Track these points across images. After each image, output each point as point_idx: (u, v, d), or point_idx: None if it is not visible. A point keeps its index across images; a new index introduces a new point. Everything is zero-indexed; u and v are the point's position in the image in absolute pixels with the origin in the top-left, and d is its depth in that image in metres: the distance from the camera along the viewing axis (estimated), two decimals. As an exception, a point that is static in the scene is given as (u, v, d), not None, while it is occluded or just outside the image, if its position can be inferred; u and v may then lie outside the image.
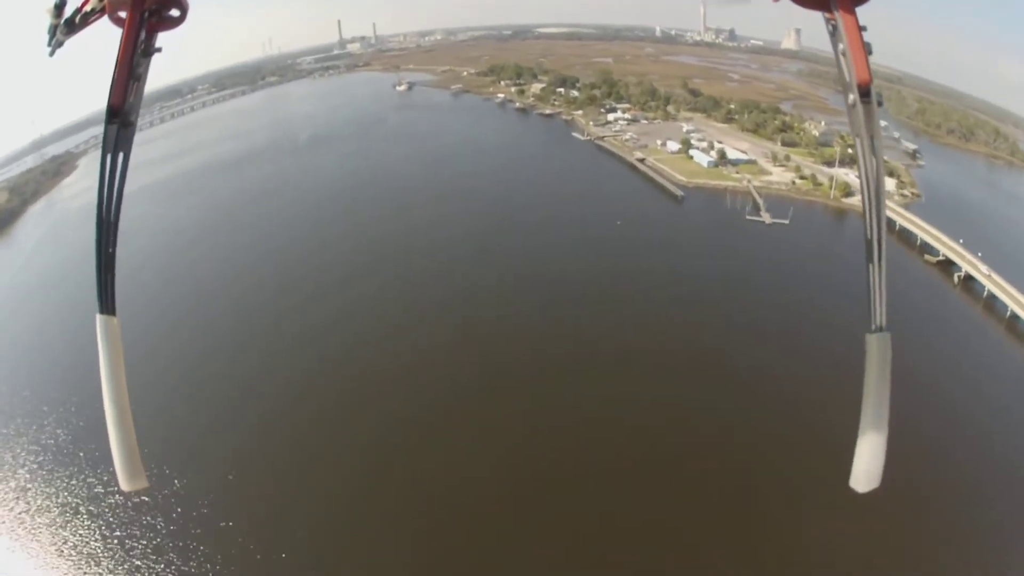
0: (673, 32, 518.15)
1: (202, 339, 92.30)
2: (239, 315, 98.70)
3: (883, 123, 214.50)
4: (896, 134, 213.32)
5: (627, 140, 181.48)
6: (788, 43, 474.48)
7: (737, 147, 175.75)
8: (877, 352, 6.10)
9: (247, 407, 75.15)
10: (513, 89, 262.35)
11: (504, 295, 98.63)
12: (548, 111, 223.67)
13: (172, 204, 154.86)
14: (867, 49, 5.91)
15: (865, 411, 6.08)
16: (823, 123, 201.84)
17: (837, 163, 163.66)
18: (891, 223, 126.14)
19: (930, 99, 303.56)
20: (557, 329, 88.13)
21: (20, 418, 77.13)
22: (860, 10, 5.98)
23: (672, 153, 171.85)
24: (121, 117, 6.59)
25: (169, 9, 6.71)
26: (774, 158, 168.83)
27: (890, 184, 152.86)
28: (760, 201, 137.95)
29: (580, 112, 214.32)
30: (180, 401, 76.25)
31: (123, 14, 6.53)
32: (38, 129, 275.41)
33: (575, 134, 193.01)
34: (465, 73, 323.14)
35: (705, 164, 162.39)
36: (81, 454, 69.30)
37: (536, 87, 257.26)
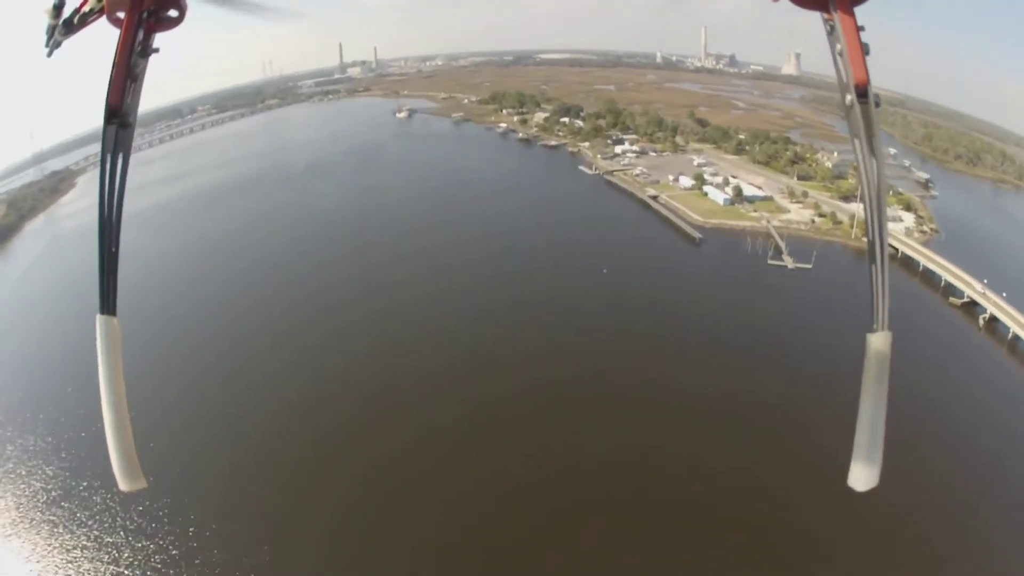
0: (674, 59, 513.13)
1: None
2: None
3: (892, 151, 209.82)
4: (907, 162, 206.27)
5: (637, 175, 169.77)
6: (788, 68, 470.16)
7: (751, 182, 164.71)
8: (877, 351, 6.05)
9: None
10: (515, 118, 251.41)
11: (515, 382, 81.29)
12: (552, 142, 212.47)
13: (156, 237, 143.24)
14: (865, 49, 5.79)
15: (863, 410, 5.98)
16: (836, 154, 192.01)
17: (857, 199, 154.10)
18: (914, 263, 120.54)
19: (936, 123, 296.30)
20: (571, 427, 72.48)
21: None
22: (858, 10, 5.91)
23: (685, 189, 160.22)
24: (120, 118, 6.54)
25: (167, 10, 6.68)
26: (791, 194, 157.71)
27: (909, 219, 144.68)
28: (781, 243, 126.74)
29: (587, 144, 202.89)
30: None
31: (121, 15, 6.55)
32: (38, 143, 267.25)
33: (582, 168, 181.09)
34: (466, 100, 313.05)
35: (721, 202, 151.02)
36: (65, 455, 69.50)
37: (539, 116, 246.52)
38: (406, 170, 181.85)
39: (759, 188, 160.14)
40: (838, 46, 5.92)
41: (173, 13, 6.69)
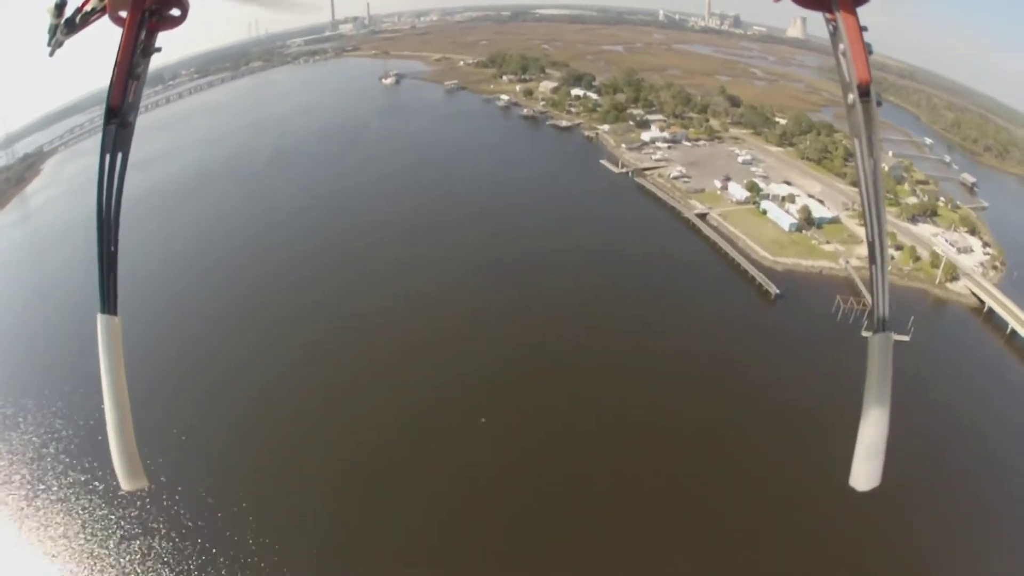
0: (677, 17, 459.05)
1: None
2: None
3: (928, 140, 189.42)
4: (947, 157, 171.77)
5: (676, 178, 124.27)
6: (794, 31, 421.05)
7: (810, 191, 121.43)
8: (879, 352, 5.87)
9: None
10: (519, 88, 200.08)
11: None
12: (564, 122, 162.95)
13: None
14: (867, 49, 5.51)
15: (866, 410, 5.71)
16: (890, 153, 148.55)
17: (943, 222, 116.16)
18: (1001, 323, 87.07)
19: (956, 104, 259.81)
20: None
21: None
22: (861, 10, 5.59)
23: (739, 203, 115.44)
24: (120, 117, 6.17)
25: (170, 8, 6.30)
26: (857, 214, 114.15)
27: (977, 247, 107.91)
28: (871, 300, 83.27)
29: (606, 128, 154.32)
30: None
31: (124, 14, 6.13)
32: (8, 125, 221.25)
33: (604, 163, 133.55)
34: (462, 63, 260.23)
35: (786, 227, 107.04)
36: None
37: (546, 86, 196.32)
38: (384, 164, 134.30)
39: (821, 202, 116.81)
40: (841, 46, 5.56)
41: (175, 12, 6.26)
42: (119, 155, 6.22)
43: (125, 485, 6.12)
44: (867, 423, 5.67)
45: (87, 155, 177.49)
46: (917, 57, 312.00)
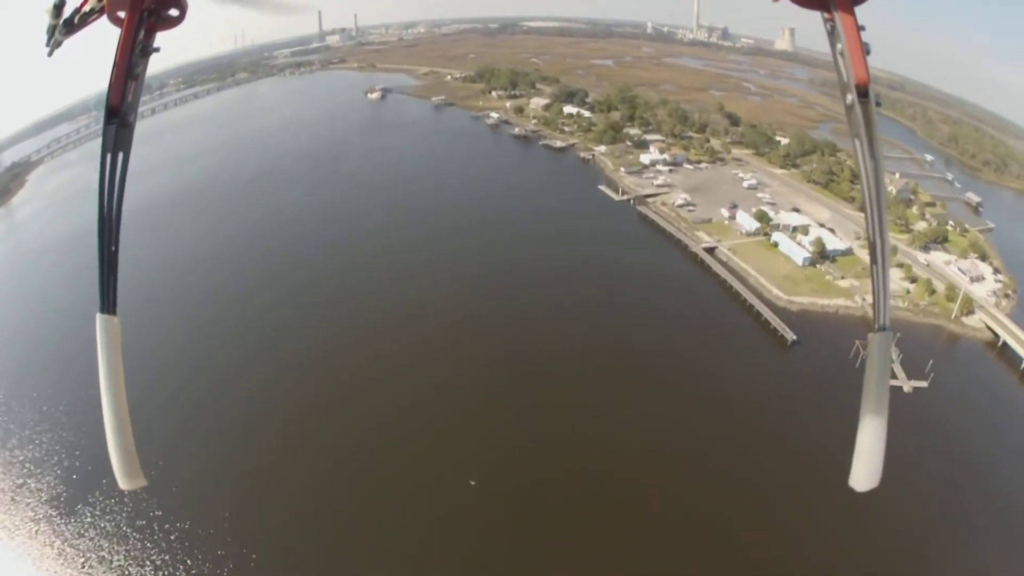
0: (666, 29, 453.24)
1: None
2: None
3: (928, 157, 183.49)
4: (949, 175, 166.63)
5: (680, 206, 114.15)
6: (782, 43, 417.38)
7: (817, 216, 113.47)
8: (878, 351, 5.66)
9: None
10: (509, 104, 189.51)
11: None
12: (558, 142, 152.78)
13: None
14: (865, 49, 5.33)
15: (865, 410, 5.57)
16: (897, 175, 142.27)
17: (954, 248, 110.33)
18: (1015, 357, 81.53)
19: (955, 118, 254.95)
20: None
21: None
22: (858, 10, 5.39)
23: (748, 235, 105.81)
24: (120, 117, 6.04)
25: (168, 9, 6.19)
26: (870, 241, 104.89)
27: (987, 273, 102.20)
28: (892, 349, 74.61)
29: (603, 149, 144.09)
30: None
31: (122, 14, 6.02)
32: None
33: (603, 189, 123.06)
34: (449, 77, 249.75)
35: (799, 261, 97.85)
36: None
37: (537, 102, 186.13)
38: (365, 186, 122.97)
39: (832, 231, 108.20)
40: (839, 46, 5.33)
41: (174, 12, 6.14)
42: (120, 155, 6.01)
43: (123, 484, 5.99)
44: (866, 423, 5.49)
45: (73, 167, 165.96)
46: (901, 66, 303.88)
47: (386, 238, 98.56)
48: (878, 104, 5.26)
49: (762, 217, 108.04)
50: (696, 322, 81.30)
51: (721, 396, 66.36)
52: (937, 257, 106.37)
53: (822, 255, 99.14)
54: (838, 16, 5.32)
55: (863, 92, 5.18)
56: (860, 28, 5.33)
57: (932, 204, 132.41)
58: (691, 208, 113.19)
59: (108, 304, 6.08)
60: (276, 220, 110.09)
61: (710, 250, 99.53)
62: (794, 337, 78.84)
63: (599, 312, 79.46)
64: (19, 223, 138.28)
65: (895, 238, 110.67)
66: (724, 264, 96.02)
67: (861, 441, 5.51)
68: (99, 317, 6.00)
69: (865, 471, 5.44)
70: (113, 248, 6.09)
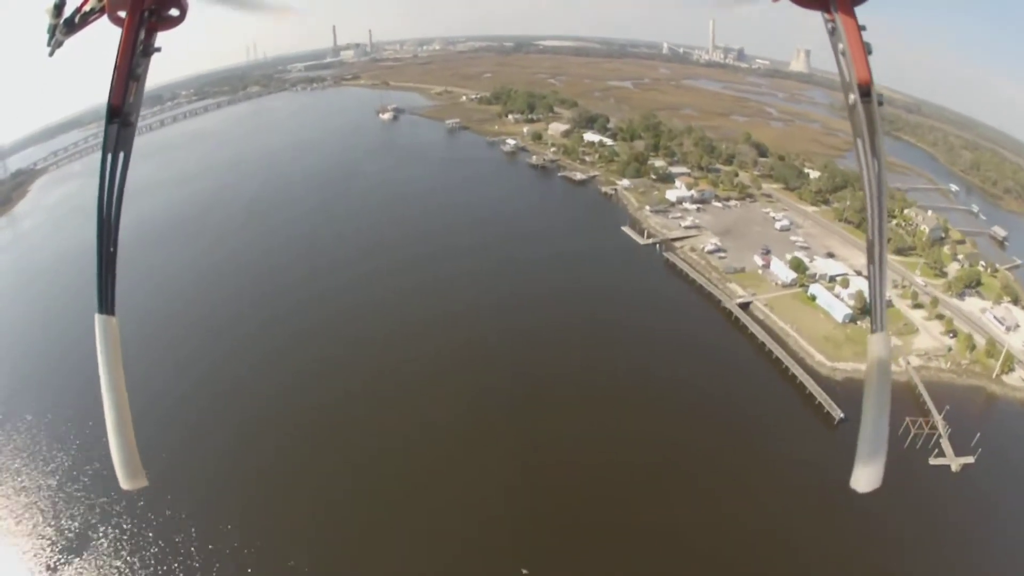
0: (681, 50, 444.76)
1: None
2: None
3: (953, 187, 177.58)
4: (975, 207, 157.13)
5: (710, 252, 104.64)
6: (797, 64, 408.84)
7: (853, 262, 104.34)
8: (878, 353, 5.57)
9: None
10: (526, 129, 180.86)
11: None
12: (579, 175, 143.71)
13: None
14: (867, 49, 5.29)
15: (866, 412, 5.49)
16: (930, 212, 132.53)
17: (987, 292, 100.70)
18: None
19: (972, 142, 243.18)
20: None
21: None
22: (859, 10, 5.34)
23: (784, 286, 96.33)
24: (121, 117, 5.91)
25: (168, 9, 6.06)
26: (908, 294, 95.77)
27: (1022, 319, 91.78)
28: (939, 420, 68.85)
29: (627, 183, 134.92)
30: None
31: (123, 14, 5.91)
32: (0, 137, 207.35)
33: (627, 230, 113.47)
34: (464, 98, 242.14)
35: (840, 318, 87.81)
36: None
37: (556, 128, 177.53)
38: (372, 223, 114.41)
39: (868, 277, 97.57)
40: (840, 46, 5.30)
41: (174, 12, 6.02)
42: (120, 155, 5.88)
43: (125, 484, 5.83)
44: (867, 425, 5.41)
45: (77, 178, 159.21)
46: (912, 87, 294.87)
47: (387, 302, 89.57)
48: (880, 103, 5.09)
49: (798, 266, 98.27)
50: (735, 398, 71.36)
51: (765, 494, 56.52)
52: (972, 304, 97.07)
53: (863, 311, 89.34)
54: (838, 17, 5.23)
55: (865, 92, 5.08)
56: (861, 28, 5.21)
57: (962, 242, 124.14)
58: (722, 255, 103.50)
59: (106, 304, 5.86)
60: (272, 284, 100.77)
61: (744, 305, 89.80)
62: (841, 415, 68.82)
63: (631, 397, 69.15)
64: (20, 234, 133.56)
65: (931, 284, 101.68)
66: (760, 323, 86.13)
67: (862, 443, 5.35)
68: (98, 318, 5.80)
69: (867, 473, 5.30)
70: (112, 249, 5.90)
